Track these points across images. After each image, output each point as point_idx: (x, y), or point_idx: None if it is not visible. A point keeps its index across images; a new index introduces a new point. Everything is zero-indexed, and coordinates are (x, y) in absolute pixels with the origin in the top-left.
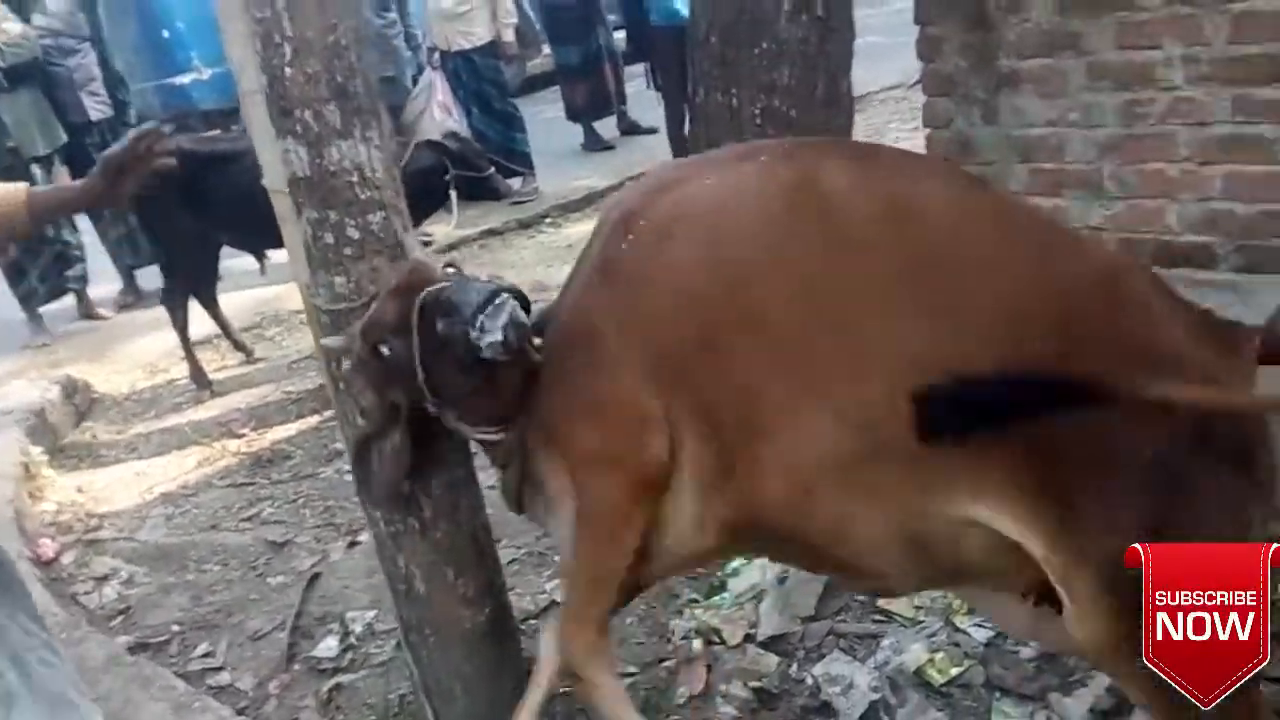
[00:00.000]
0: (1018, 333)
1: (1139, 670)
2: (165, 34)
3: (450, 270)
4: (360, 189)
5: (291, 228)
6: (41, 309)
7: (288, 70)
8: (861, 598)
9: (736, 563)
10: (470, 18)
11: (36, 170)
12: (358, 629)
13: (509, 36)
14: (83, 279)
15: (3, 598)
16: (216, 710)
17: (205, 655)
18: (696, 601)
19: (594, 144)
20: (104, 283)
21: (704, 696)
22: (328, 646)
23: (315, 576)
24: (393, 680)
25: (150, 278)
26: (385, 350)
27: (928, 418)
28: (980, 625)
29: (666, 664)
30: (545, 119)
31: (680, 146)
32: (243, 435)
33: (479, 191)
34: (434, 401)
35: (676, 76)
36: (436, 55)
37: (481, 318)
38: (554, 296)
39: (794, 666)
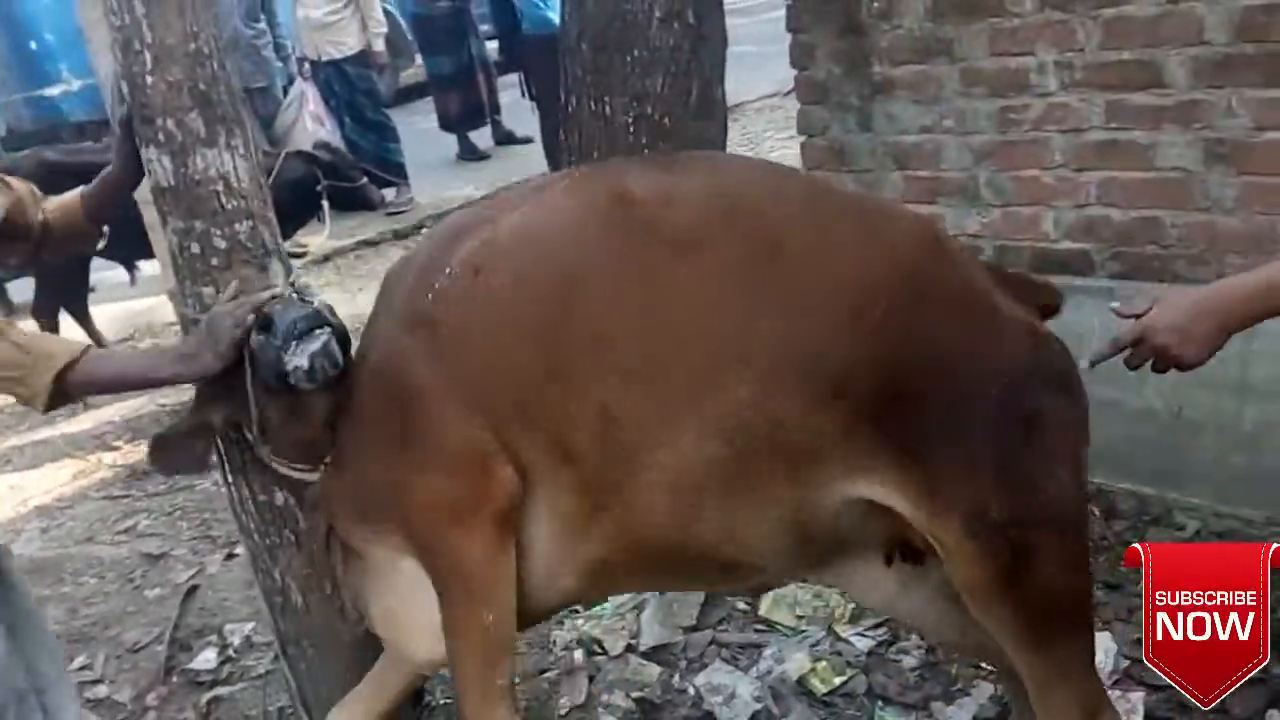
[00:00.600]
0: (861, 304)
1: (1007, 615)
2: (33, 45)
3: (293, 287)
4: (226, 198)
5: (159, 237)
6: None
7: (149, 78)
8: (743, 607)
9: None
10: (340, 27)
11: None
12: (236, 641)
13: (379, 46)
14: None
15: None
16: None
17: (83, 668)
18: (577, 612)
19: (469, 154)
20: None
21: (586, 707)
22: (206, 659)
23: (193, 589)
24: (271, 693)
25: (21, 289)
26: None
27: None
28: (862, 635)
29: (548, 675)
30: (419, 129)
31: (555, 155)
32: (118, 448)
33: (352, 202)
34: (255, 429)
35: (550, 85)
36: (307, 65)
37: (294, 341)
38: None
39: (676, 677)
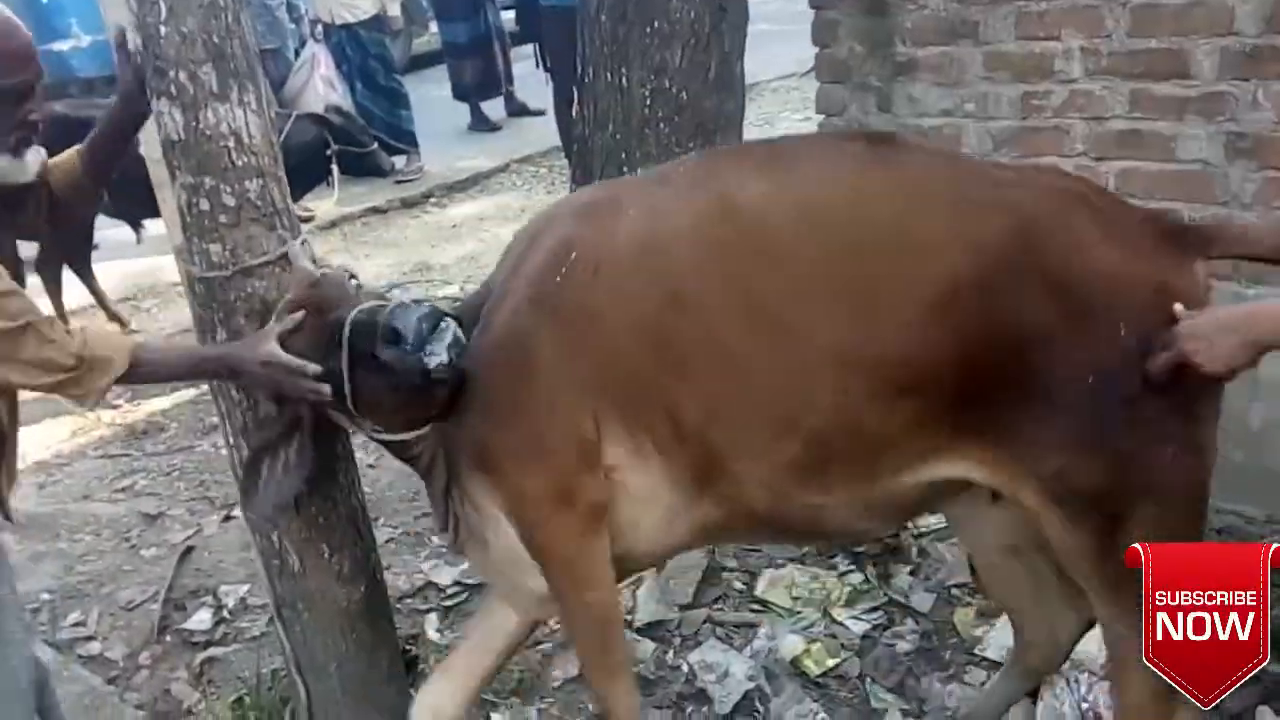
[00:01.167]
0: (946, 300)
1: (1093, 576)
2: (44, 0)
3: (354, 282)
4: (237, 155)
5: (167, 194)
6: None
7: (162, 29)
8: (740, 586)
9: None
10: None
11: None
12: (230, 603)
13: (394, 10)
14: None
15: None
16: (86, 679)
17: (76, 624)
18: None
19: (481, 125)
20: None
21: (578, 680)
22: (200, 619)
23: (189, 549)
24: (265, 655)
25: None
26: None
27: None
28: (857, 618)
29: (541, 647)
30: (431, 98)
31: (568, 129)
32: (118, 406)
33: (362, 167)
34: (355, 414)
35: (566, 57)
36: (320, 28)
37: (429, 344)
38: (439, 277)
39: (670, 653)
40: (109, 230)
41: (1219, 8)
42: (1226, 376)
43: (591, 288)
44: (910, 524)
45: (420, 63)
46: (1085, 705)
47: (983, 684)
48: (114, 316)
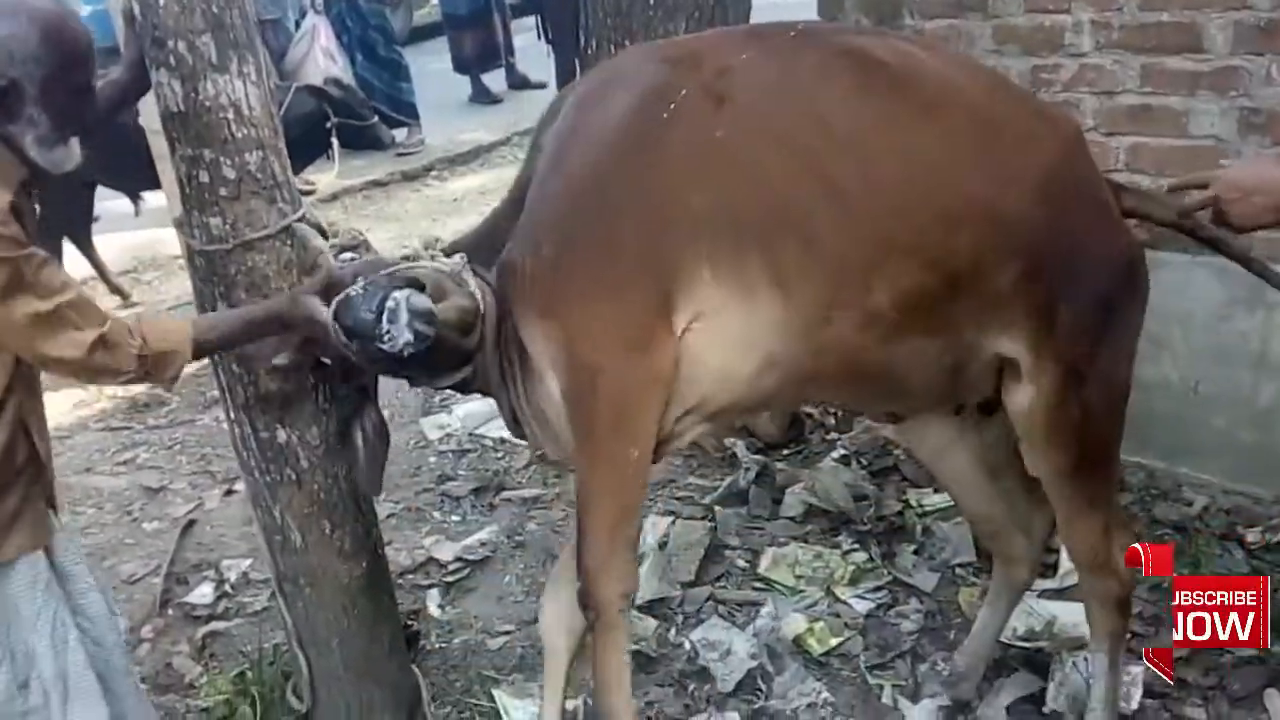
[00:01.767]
0: (1044, 185)
1: (1063, 444)
2: None
3: (364, 245)
4: (236, 126)
5: (167, 166)
6: None
7: None
8: (743, 565)
9: None
10: None
11: None
12: (232, 577)
13: None
14: None
15: None
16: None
17: None
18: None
19: (481, 97)
20: None
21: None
22: (202, 593)
23: (190, 523)
24: (267, 629)
25: None
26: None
27: None
28: (861, 597)
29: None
30: (432, 70)
31: None
32: None
33: (362, 140)
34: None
35: (568, 29)
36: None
37: (383, 328)
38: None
39: (672, 631)
40: (109, 202)
41: None
42: (1245, 230)
43: (712, 122)
44: (914, 503)
45: (420, 34)
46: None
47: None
48: (115, 289)
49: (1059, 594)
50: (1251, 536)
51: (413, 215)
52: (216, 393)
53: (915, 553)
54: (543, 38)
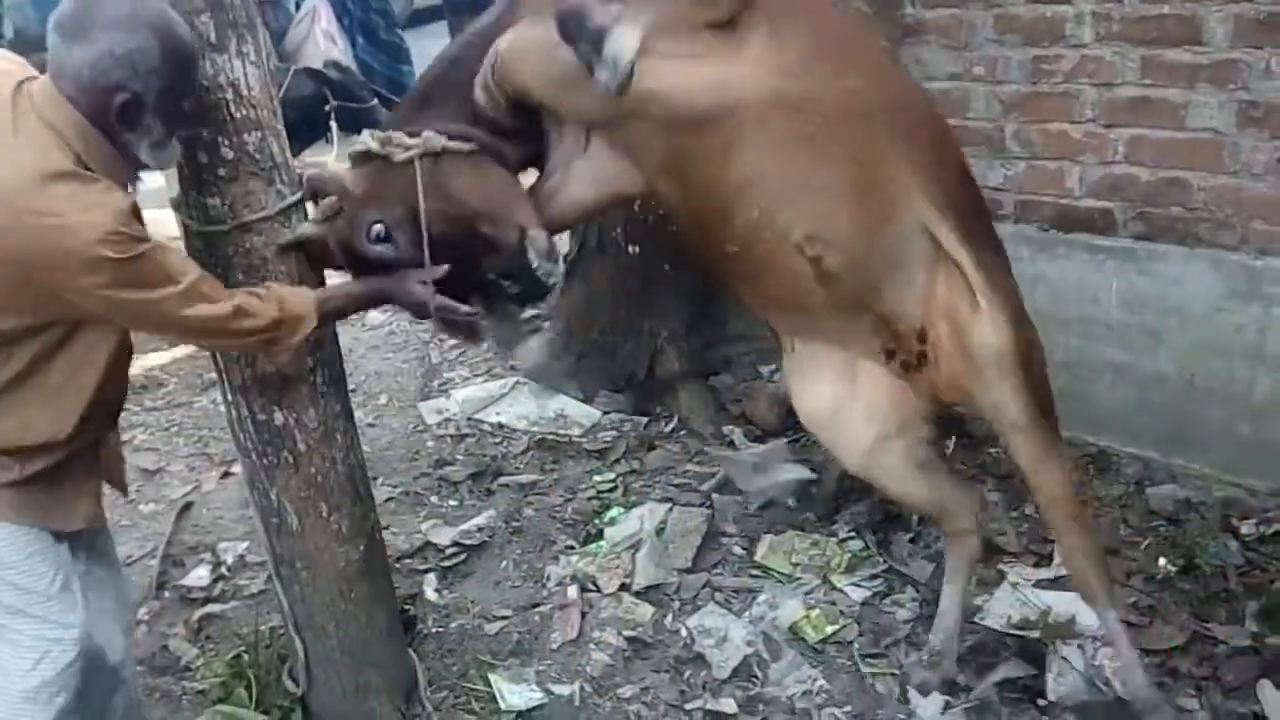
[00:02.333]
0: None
1: (1019, 382)
2: None
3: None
4: (235, 107)
5: None
6: None
7: None
8: (739, 551)
9: (614, 511)
10: None
11: None
12: (229, 559)
13: None
14: None
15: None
16: None
17: None
18: (573, 549)
19: None
20: None
21: (577, 643)
22: (199, 576)
23: (187, 506)
24: (263, 612)
25: None
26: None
27: None
28: (857, 585)
29: (540, 609)
30: (432, 53)
31: None
32: None
33: (361, 123)
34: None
35: None
36: None
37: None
38: None
39: (669, 617)
40: None
41: None
42: None
43: None
44: None
45: (421, 18)
46: (1094, 668)
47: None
48: None
49: (1053, 583)
50: (1246, 529)
51: None
52: (214, 375)
53: (911, 541)
54: None
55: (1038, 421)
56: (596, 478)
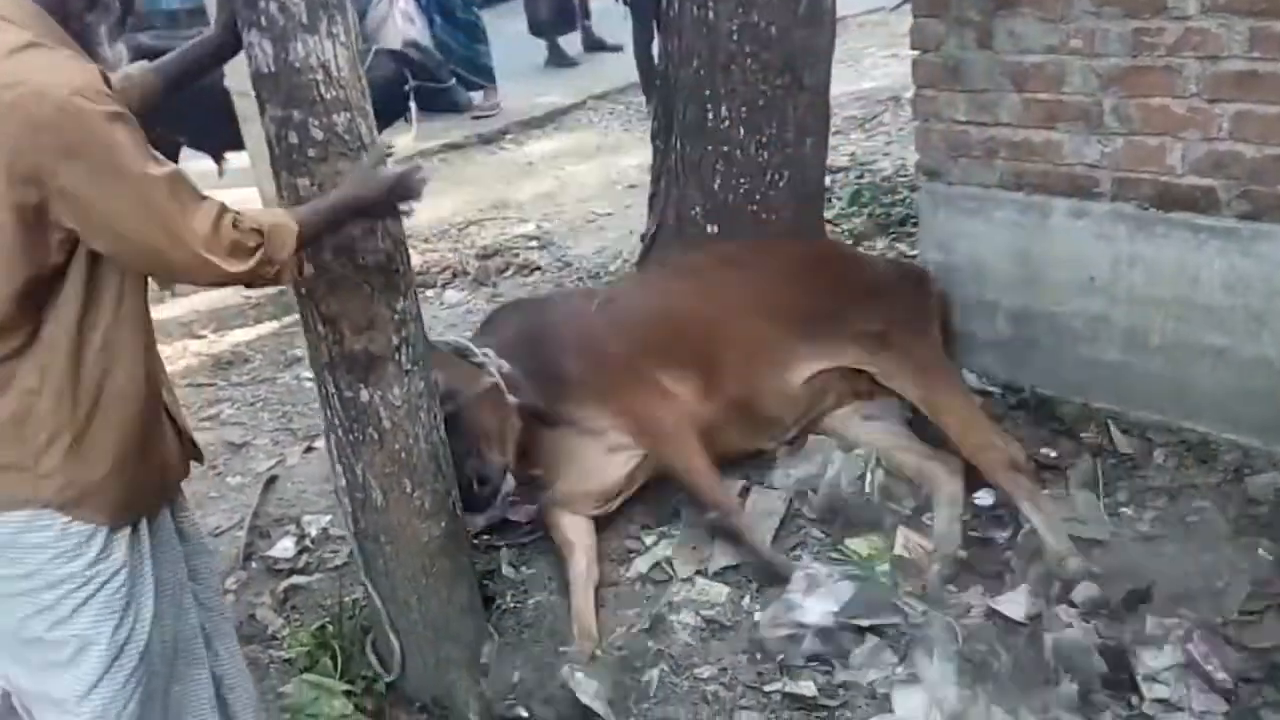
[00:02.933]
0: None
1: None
2: None
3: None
4: (325, 88)
5: (255, 128)
6: None
7: None
8: (819, 535)
9: None
10: None
11: None
12: (313, 532)
13: None
14: None
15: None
16: None
17: None
18: (649, 528)
19: (558, 60)
20: None
21: (654, 622)
22: (284, 547)
23: (272, 479)
24: (347, 584)
25: None
26: None
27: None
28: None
29: (617, 587)
30: (508, 34)
31: (648, 64)
32: (203, 336)
33: (439, 103)
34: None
35: None
36: None
37: None
38: (515, 215)
39: (745, 599)
40: (192, 163)
41: None
42: None
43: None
44: None
45: None
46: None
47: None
48: None
49: None
50: None
51: (488, 179)
52: (297, 351)
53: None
54: (619, 0)
55: (953, 404)
56: None
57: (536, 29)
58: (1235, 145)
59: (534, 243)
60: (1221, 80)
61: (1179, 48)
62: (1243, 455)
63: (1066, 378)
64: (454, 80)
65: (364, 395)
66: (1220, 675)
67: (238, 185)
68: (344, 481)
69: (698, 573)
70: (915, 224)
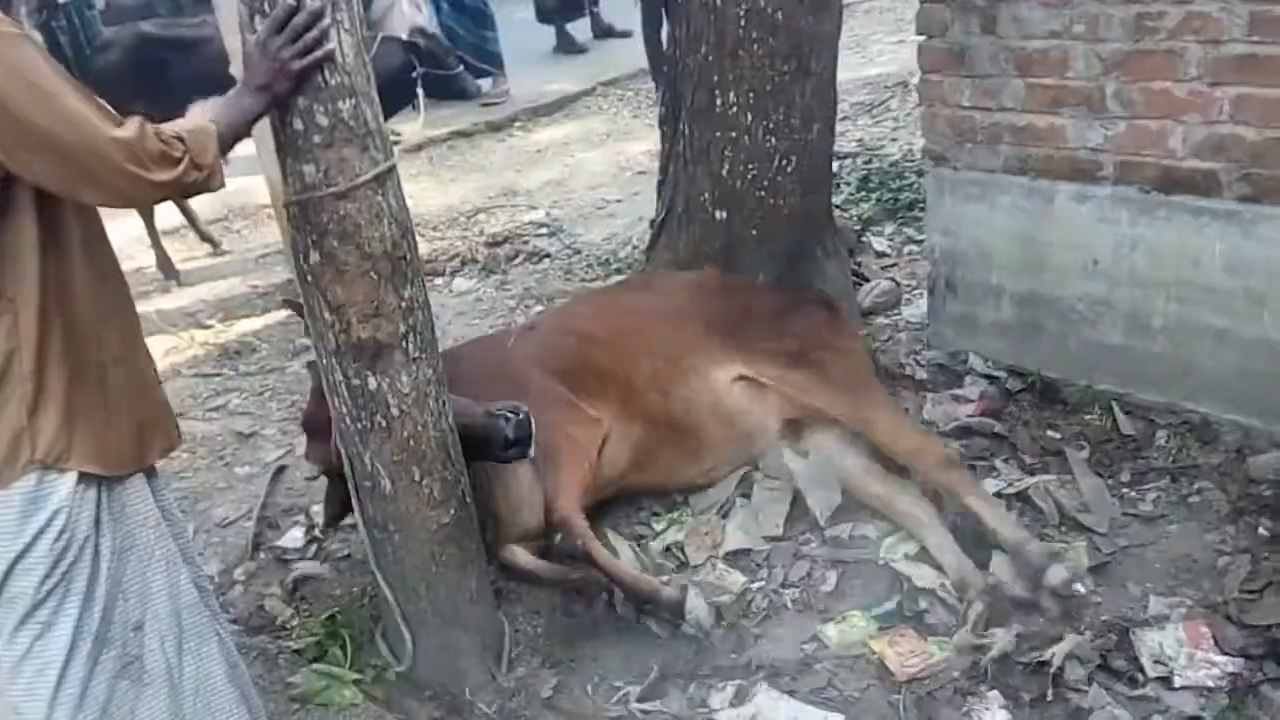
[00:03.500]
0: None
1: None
2: None
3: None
4: (330, 74)
5: None
6: None
7: None
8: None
9: None
10: None
11: None
12: (322, 522)
13: None
14: None
15: None
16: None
17: None
18: (659, 515)
19: (566, 47)
20: None
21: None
22: (293, 537)
23: (281, 469)
24: (356, 574)
25: None
26: None
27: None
28: None
29: None
30: (516, 20)
31: (656, 50)
32: (210, 326)
33: (448, 90)
34: None
35: None
36: None
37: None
38: (524, 202)
39: (757, 584)
40: None
41: None
42: None
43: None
44: None
45: None
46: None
47: None
48: (205, 237)
49: None
50: None
51: (497, 166)
52: (305, 340)
53: None
54: None
55: (876, 415)
56: None
57: (544, 15)
58: (1236, 128)
59: (543, 230)
60: (1222, 64)
61: (1180, 31)
62: (1244, 435)
63: (1071, 360)
64: (461, 67)
65: (372, 383)
66: (1220, 654)
67: (244, 174)
68: (352, 470)
69: (709, 558)
70: (923, 209)
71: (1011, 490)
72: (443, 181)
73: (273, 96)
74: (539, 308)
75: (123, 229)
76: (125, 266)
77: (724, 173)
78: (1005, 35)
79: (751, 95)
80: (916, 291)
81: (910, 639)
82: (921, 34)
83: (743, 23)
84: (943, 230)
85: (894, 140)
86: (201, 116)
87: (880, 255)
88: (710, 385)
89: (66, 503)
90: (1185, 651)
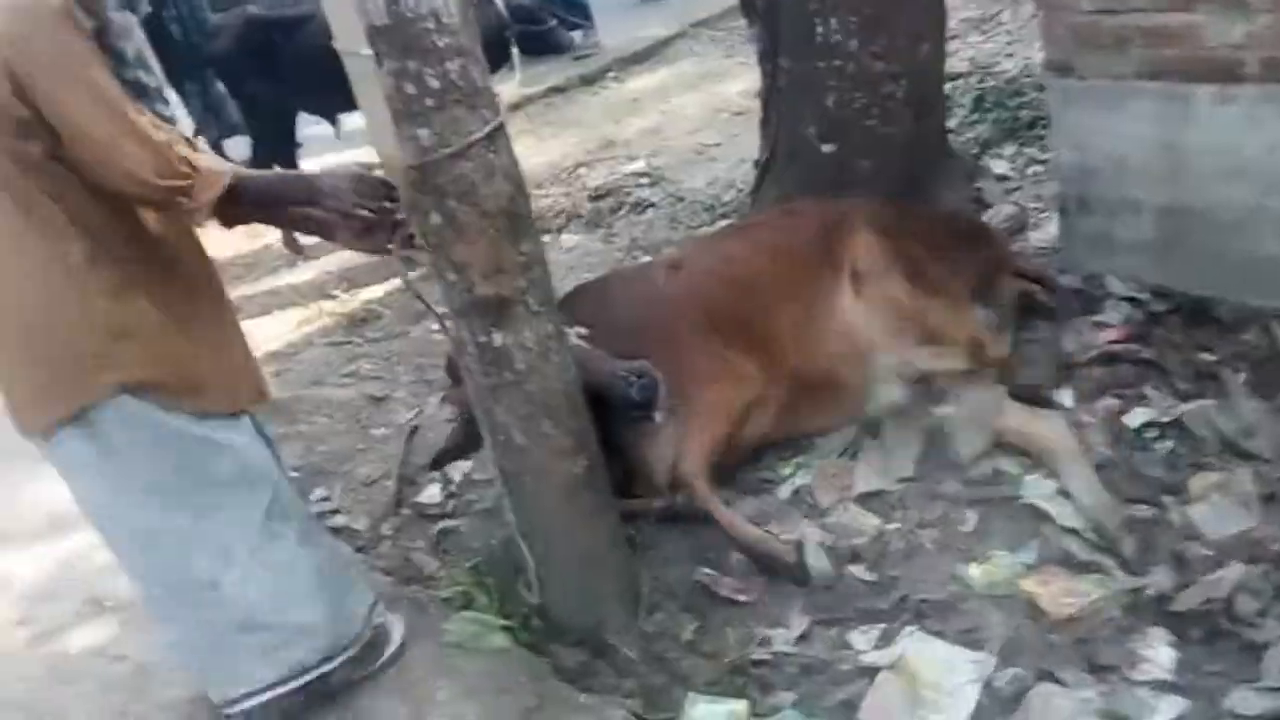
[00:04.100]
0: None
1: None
2: None
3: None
4: (438, 35)
5: (367, 87)
6: None
7: None
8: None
9: None
10: None
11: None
12: (457, 478)
13: None
14: None
15: None
16: (338, 548)
17: (323, 499)
18: (787, 457)
19: None
20: None
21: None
22: (431, 494)
23: (414, 429)
24: (494, 526)
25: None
26: None
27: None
28: None
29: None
30: None
31: None
32: (336, 296)
33: (541, 46)
34: None
35: None
36: None
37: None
38: (623, 153)
39: (892, 525)
40: (310, 128)
41: None
42: None
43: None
44: None
45: None
46: None
47: None
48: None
49: None
50: None
51: (594, 119)
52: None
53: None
54: None
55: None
56: None
57: None
58: None
59: (645, 180)
60: None
61: None
62: None
63: (1221, 276)
64: (555, 21)
65: (497, 339)
66: None
67: (354, 146)
68: (486, 425)
69: (839, 500)
70: (1045, 126)
71: (1166, 419)
72: (542, 138)
73: (295, 219)
74: (646, 258)
75: None
76: (254, 245)
77: (830, 104)
78: None
79: (853, 20)
80: (1044, 215)
81: (1063, 578)
82: None
83: None
84: (1071, 145)
85: (1009, 55)
86: (232, 167)
87: (1002, 179)
88: (853, 335)
89: None
90: None
